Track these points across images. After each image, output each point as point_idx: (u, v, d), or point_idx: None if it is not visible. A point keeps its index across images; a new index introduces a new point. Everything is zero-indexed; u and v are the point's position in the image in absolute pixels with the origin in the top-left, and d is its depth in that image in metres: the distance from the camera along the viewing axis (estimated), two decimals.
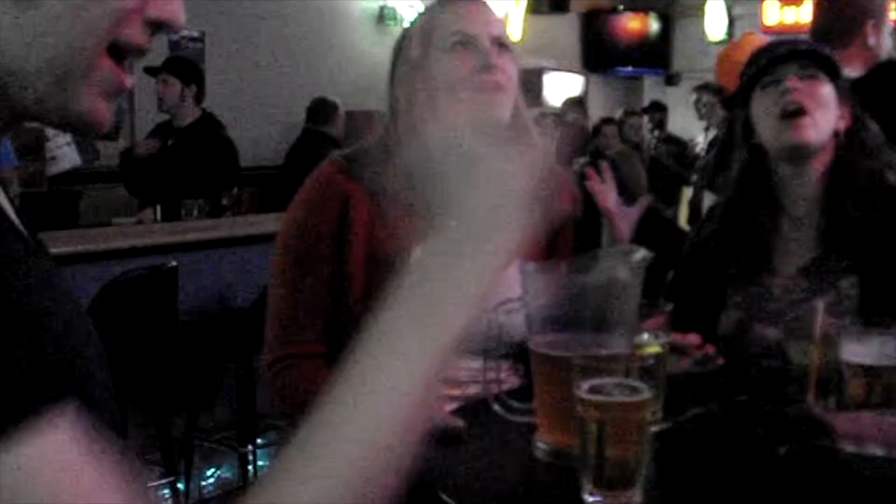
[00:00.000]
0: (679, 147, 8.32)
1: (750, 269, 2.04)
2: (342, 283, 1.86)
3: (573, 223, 2.13)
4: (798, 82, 1.98)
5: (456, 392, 1.80)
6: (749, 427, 1.37)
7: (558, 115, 8.86)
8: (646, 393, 1.24)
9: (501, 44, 1.90)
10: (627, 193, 7.01)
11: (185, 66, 5.62)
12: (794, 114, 1.96)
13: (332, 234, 1.87)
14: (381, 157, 1.90)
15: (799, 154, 2.00)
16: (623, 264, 1.36)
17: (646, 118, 9.24)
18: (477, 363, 1.85)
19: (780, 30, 11.21)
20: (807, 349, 1.65)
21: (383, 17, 9.10)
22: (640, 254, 1.37)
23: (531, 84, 10.21)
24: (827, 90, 2.00)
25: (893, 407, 1.46)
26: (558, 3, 11.14)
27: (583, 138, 8.26)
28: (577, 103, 9.09)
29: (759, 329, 1.96)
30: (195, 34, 7.58)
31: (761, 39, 4.06)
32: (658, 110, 9.59)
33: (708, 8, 12.14)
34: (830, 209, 1.97)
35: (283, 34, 8.19)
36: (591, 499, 1.22)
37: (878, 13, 2.89)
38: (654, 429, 1.49)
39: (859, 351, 1.49)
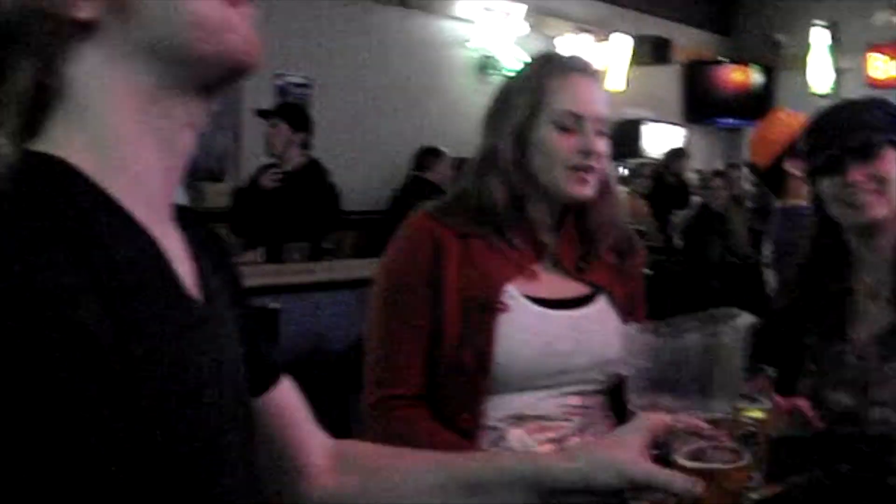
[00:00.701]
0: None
1: (825, 337, 2.03)
2: (438, 327, 1.91)
3: (644, 279, 2.19)
4: (861, 172, 2.01)
5: None
6: (853, 498, 1.36)
7: (663, 165, 8.82)
8: (746, 458, 1.23)
9: (600, 129, 1.97)
10: (732, 247, 6.96)
11: (296, 112, 5.76)
12: (859, 203, 2.01)
13: (426, 279, 1.93)
14: (471, 202, 1.99)
15: (868, 229, 2.03)
16: (727, 328, 1.37)
17: (745, 170, 9.09)
18: None
19: (885, 84, 11.04)
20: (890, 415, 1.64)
21: (485, 65, 9.21)
22: (745, 318, 1.38)
23: (630, 134, 10.24)
24: (890, 164, 2.03)
25: None
26: (660, 53, 11.13)
27: (684, 190, 8.23)
28: (680, 155, 9.04)
29: (833, 395, 1.96)
30: (302, 80, 7.76)
31: (791, 116, 4.00)
32: None
33: (812, 61, 12.00)
34: None
35: (387, 82, 8.33)
36: None
37: None
38: (754, 496, 1.49)
39: None
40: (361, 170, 7.65)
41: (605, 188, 2.03)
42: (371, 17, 8.35)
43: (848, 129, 2.05)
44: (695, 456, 1.22)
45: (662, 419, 1.17)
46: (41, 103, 0.84)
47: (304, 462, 1.19)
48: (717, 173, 7.34)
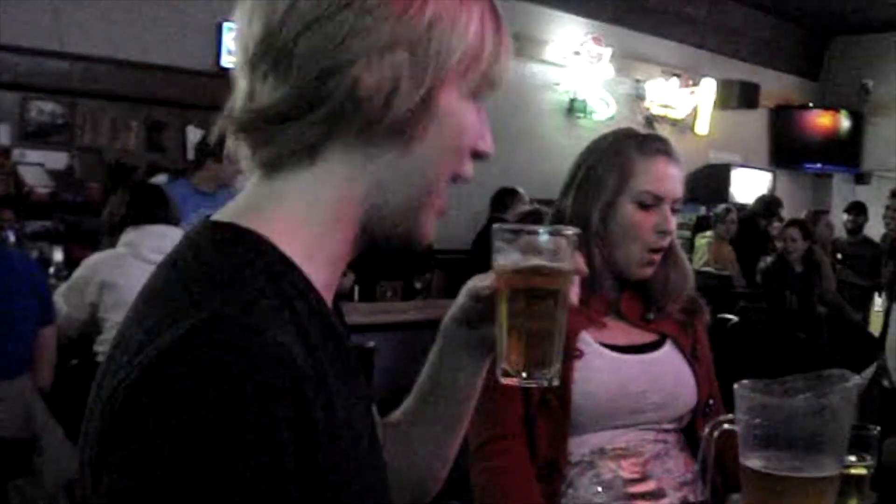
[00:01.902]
0: (874, 249, 8.03)
1: None
2: None
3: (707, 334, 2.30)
4: None
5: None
6: None
7: (755, 213, 8.75)
8: None
9: (676, 209, 2.13)
10: (816, 295, 6.91)
11: None
12: None
13: None
14: None
15: None
16: (837, 389, 1.44)
17: (846, 216, 8.87)
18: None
19: None
20: None
21: (573, 108, 9.31)
22: (854, 380, 1.45)
23: (718, 179, 10.24)
24: None
25: None
26: (748, 98, 11.13)
27: (767, 237, 8.20)
28: (773, 202, 8.88)
29: None
30: None
31: None
32: (857, 212, 9.08)
33: None
34: None
35: None
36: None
37: None
38: None
39: None
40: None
41: (673, 258, 2.18)
42: None
43: None
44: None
45: None
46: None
47: None
48: (793, 222, 7.27)
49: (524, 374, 1.19)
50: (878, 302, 7.27)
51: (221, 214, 0.99)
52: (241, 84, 0.98)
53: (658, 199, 2.10)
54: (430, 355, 1.33)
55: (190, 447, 0.76)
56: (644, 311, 2.18)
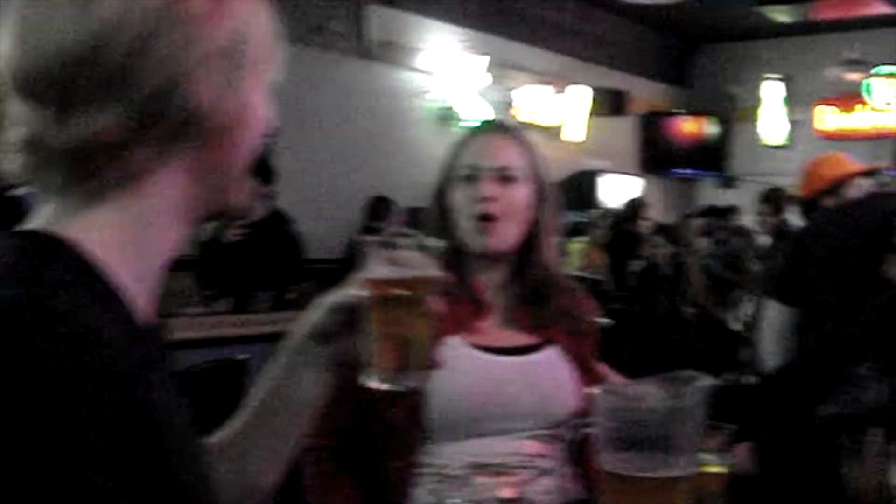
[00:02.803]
0: (746, 240, 8.30)
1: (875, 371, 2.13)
2: None
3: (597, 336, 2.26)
4: None
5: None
6: None
7: (622, 216, 8.94)
8: None
9: (506, 176, 2.08)
10: (690, 298, 7.06)
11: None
12: None
13: None
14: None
15: None
16: (689, 390, 1.45)
17: (701, 221, 9.21)
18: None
19: (835, 135, 11.34)
20: (864, 471, 1.73)
21: (446, 116, 9.35)
22: (705, 381, 1.47)
23: (588, 185, 10.41)
24: None
25: None
26: (617, 105, 11.36)
27: (637, 242, 8.35)
28: (639, 205, 9.13)
29: None
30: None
31: (843, 161, 4.22)
32: (714, 215, 9.47)
33: (764, 113, 12.28)
34: None
35: (348, 132, 8.44)
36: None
37: None
38: None
39: None
40: (322, 219, 7.72)
41: (534, 239, 2.12)
42: (334, 68, 8.47)
43: None
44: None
45: None
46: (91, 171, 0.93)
47: None
48: (660, 228, 7.46)
49: (392, 380, 1.27)
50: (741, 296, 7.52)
51: (31, 222, 0.96)
52: (24, 111, 0.93)
53: (475, 172, 2.09)
54: (273, 370, 1.30)
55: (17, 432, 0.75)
56: (532, 317, 2.13)
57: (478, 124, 2.35)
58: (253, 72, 1.03)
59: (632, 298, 7.19)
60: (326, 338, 1.29)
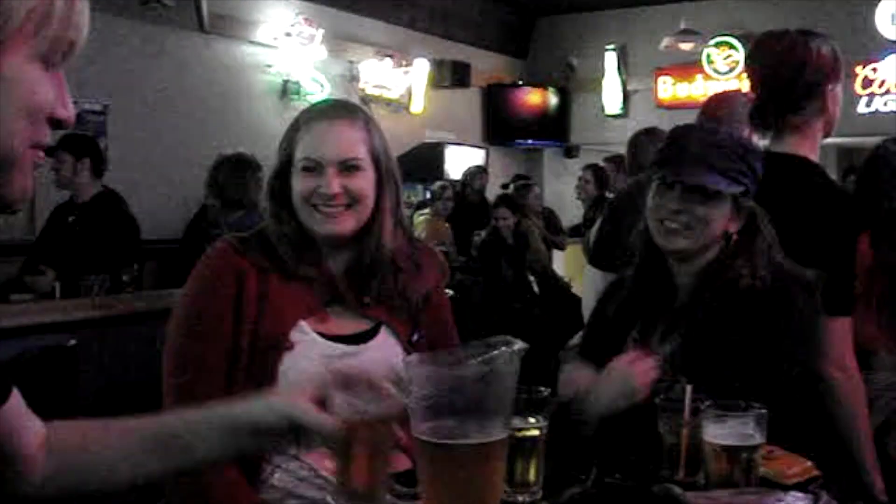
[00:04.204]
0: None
1: (645, 334, 2.17)
2: (234, 356, 2.00)
3: (445, 295, 2.33)
4: (682, 204, 2.13)
5: None
6: None
7: (463, 185, 9.03)
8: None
9: (350, 166, 2.09)
10: (532, 265, 7.15)
11: (77, 140, 5.66)
12: (669, 229, 2.14)
13: (228, 308, 2.01)
14: (264, 243, 2.12)
15: (677, 256, 2.16)
16: (501, 355, 1.45)
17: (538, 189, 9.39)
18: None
19: (671, 104, 11.63)
20: (676, 428, 1.77)
21: (287, 91, 9.21)
22: (518, 345, 1.47)
23: (432, 158, 10.43)
24: (716, 210, 2.13)
25: (751, 484, 1.58)
26: (460, 77, 11.39)
27: (485, 210, 8.43)
28: (478, 172, 9.25)
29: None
30: (97, 107, 7.57)
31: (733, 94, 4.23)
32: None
33: (604, 83, 12.52)
34: (700, 297, 2.12)
35: (187, 107, 8.23)
36: None
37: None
38: None
39: (719, 432, 1.61)
40: (161, 198, 7.53)
41: (373, 222, 2.13)
42: (170, 41, 8.23)
43: (695, 161, 2.13)
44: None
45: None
46: None
47: (14, 452, 1.27)
48: (502, 199, 7.56)
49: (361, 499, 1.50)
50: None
51: None
52: None
53: (315, 164, 2.08)
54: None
55: None
56: (363, 300, 2.14)
57: (317, 106, 2.26)
58: (13, 38, 0.96)
59: (476, 269, 7.25)
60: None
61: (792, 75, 2.63)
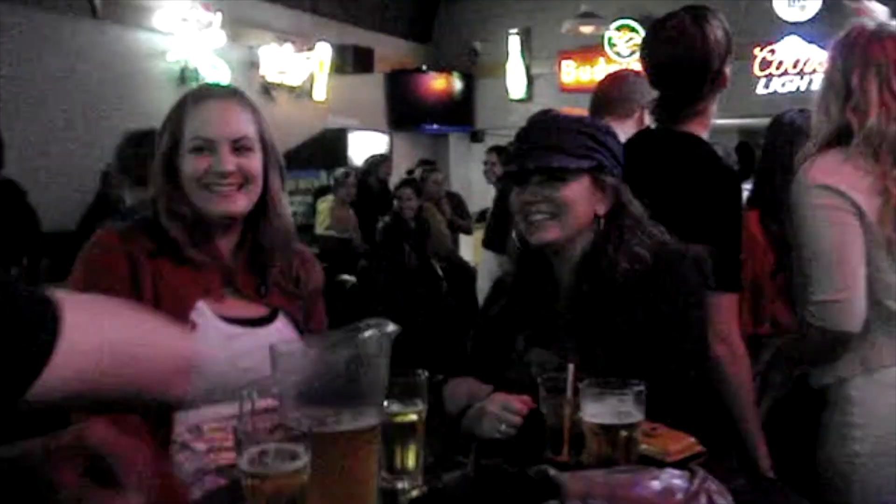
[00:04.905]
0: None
1: (533, 339, 2.12)
2: None
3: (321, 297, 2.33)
4: (539, 192, 2.07)
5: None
6: (497, 490, 1.44)
7: (365, 172, 8.97)
8: (302, 461, 1.29)
9: (242, 146, 2.07)
10: (436, 249, 7.13)
11: None
12: (533, 222, 2.08)
13: (125, 290, 1.96)
14: (152, 230, 2.07)
15: (551, 250, 2.12)
16: (371, 337, 1.41)
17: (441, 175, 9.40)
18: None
19: (575, 88, 11.70)
20: (558, 408, 1.74)
21: (185, 77, 9.04)
22: (389, 327, 1.43)
23: (336, 143, 10.35)
24: (573, 191, 2.06)
25: (630, 462, 1.56)
26: (363, 63, 11.31)
27: (388, 196, 8.38)
28: (380, 160, 9.21)
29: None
30: None
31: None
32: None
33: (508, 68, 12.54)
34: (579, 291, 2.08)
35: (81, 96, 8.04)
36: None
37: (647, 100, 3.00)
38: (413, 494, 1.55)
39: (597, 410, 1.59)
40: (55, 189, 7.34)
41: (264, 203, 2.13)
42: (60, 28, 8.03)
43: (539, 147, 2.09)
44: (255, 460, 1.29)
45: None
46: None
47: None
48: (407, 182, 7.53)
49: None
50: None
51: None
52: None
53: (206, 144, 2.05)
54: None
55: None
56: (259, 284, 2.14)
57: (204, 88, 2.28)
58: None
59: (379, 254, 7.19)
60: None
61: (695, 72, 2.63)
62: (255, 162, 2.09)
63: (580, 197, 2.07)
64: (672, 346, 1.97)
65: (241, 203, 2.08)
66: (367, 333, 1.41)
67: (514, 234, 2.22)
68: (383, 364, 1.43)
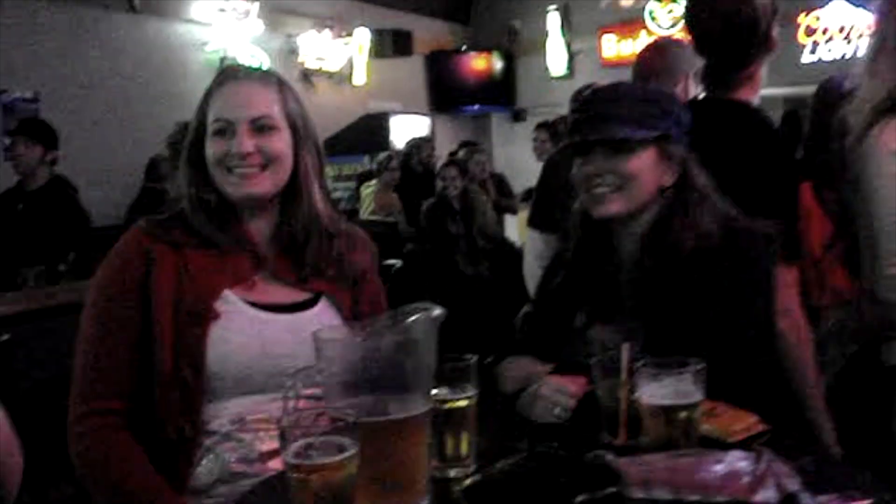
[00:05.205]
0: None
1: (594, 315, 2.04)
2: (151, 339, 1.91)
3: (379, 280, 2.24)
4: (603, 164, 1.98)
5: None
6: (552, 477, 1.39)
7: (407, 155, 8.91)
8: (349, 452, 1.24)
9: (263, 125, 2.00)
10: (482, 230, 7.07)
11: (45, 130, 5.50)
12: (597, 195, 2.00)
13: (136, 292, 1.93)
14: (180, 222, 2.04)
15: (613, 219, 2.03)
16: (417, 323, 1.36)
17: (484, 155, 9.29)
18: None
19: (616, 62, 11.56)
20: (614, 390, 1.68)
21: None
22: (435, 312, 1.38)
23: (377, 128, 10.31)
24: (639, 162, 1.97)
25: (691, 444, 1.50)
26: (402, 46, 11.26)
27: (432, 179, 8.32)
28: (422, 142, 9.14)
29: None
30: (29, 95, 7.39)
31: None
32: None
33: (548, 45, 12.43)
34: (643, 265, 1.99)
35: (122, 90, 8.06)
36: None
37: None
38: (466, 482, 1.50)
39: (655, 392, 1.52)
40: (102, 184, 7.36)
41: (296, 185, 2.06)
42: (100, 24, 8.05)
43: (602, 117, 2.00)
44: (301, 453, 1.25)
45: None
46: None
47: None
48: (451, 162, 7.43)
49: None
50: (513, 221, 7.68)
51: None
52: None
53: (227, 126, 1.99)
54: None
55: None
56: (298, 270, 2.06)
57: (229, 69, 2.16)
58: None
59: (423, 237, 7.13)
60: None
61: (743, 36, 2.55)
62: (278, 142, 2.01)
63: (646, 168, 1.98)
64: (737, 332, 1.89)
65: (265, 185, 2.00)
66: (413, 318, 1.36)
67: (575, 206, 2.13)
68: (430, 349, 1.38)
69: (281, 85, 2.08)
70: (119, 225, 6.80)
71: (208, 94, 2.04)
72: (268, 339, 1.95)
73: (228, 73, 2.09)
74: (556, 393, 1.81)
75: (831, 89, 3.17)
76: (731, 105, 2.56)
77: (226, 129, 1.98)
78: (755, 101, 2.62)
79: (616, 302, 2.01)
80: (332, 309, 2.07)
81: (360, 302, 2.15)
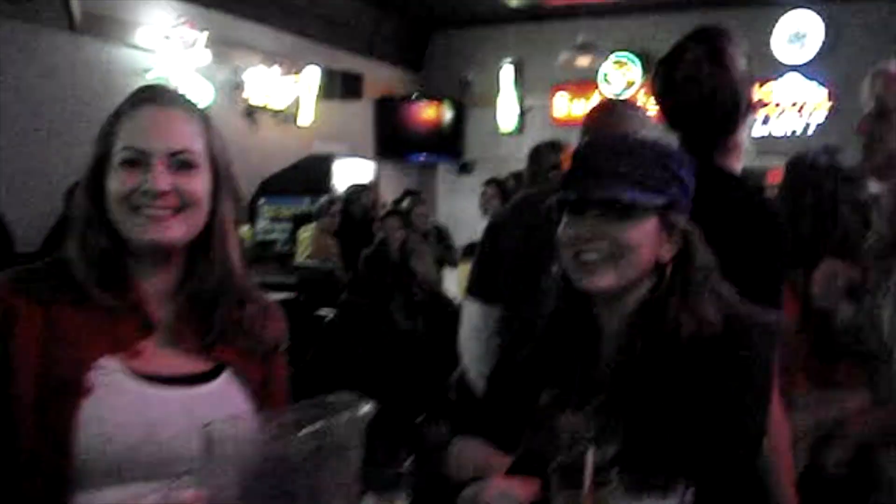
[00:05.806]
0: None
1: (563, 399, 1.75)
2: (8, 413, 1.59)
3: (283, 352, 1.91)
4: (599, 228, 1.71)
5: None
6: None
7: (347, 201, 8.70)
8: None
9: (183, 161, 1.70)
10: (421, 284, 6.81)
11: None
12: (587, 263, 1.71)
13: None
14: (58, 271, 1.69)
15: (602, 297, 1.76)
16: (341, 420, 1.08)
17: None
18: None
19: (567, 122, 11.44)
20: (576, 500, 1.40)
21: None
22: (364, 407, 1.10)
23: (320, 170, 10.04)
24: (640, 231, 1.70)
25: None
26: (352, 88, 11.06)
27: (367, 227, 8.11)
28: (363, 189, 8.95)
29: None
30: None
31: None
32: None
33: (499, 100, 12.30)
34: (631, 349, 1.70)
35: (57, 112, 7.76)
36: None
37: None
38: None
39: None
40: (27, 206, 7.03)
41: (209, 235, 1.75)
42: (37, 41, 7.72)
43: (606, 174, 1.71)
44: None
45: None
46: None
47: None
48: (393, 212, 7.21)
49: None
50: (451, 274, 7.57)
51: None
52: None
53: (139, 156, 1.66)
54: None
55: None
56: (202, 336, 1.73)
57: (146, 90, 1.83)
58: None
59: (360, 285, 6.87)
60: None
61: (726, 109, 2.33)
62: (197, 183, 1.70)
63: (646, 239, 1.70)
64: (737, 433, 1.63)
65: (177, 231, 1.68)
66: (339, 415, 1.08)
67: (554, 270, 1.83)
68: (355, 455, 1.10)
69: (206, 120, 1.77)
70: (37, 251, 6.43)
71: (118, 116, 1.73)
72: (154, 418, 1.63)
73: (146, 95, 1.77)
74: (501, 499, 1.53)
75: (806, 165, 3.03)
76: (718, 176, 2.30)
77: (138, 161, 1.66)
78: (739, 167, 2.40)
79: (592, 388, 1.71)
80: (237, 384, 1.75)
81: (270, 381, 1.83)
